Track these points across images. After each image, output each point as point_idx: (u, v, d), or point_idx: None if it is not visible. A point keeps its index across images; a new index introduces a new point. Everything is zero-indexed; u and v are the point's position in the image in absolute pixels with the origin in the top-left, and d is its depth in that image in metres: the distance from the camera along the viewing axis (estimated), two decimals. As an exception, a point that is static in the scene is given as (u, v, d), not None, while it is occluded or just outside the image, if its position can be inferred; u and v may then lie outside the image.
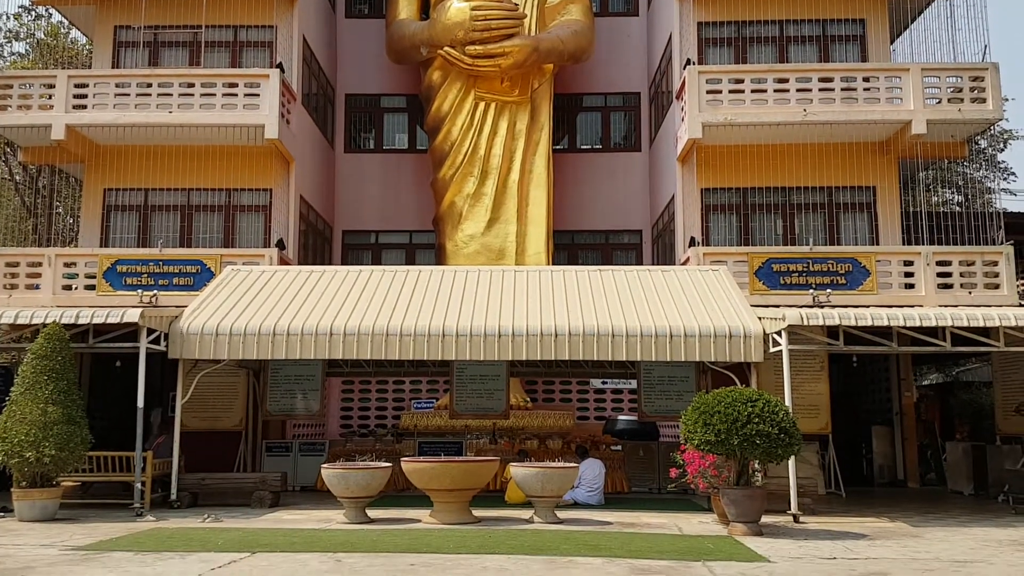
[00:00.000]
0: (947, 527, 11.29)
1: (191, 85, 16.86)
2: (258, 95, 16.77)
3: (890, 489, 17.43)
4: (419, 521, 11.31)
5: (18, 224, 25.94)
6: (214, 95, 16.82)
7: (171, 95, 16.78)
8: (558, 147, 21.41)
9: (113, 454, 12.80)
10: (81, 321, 12.42)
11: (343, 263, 20.65)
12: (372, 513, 11.71)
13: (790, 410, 10.80)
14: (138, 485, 12.21)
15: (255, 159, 17.74)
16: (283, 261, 16.69)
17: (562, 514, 11.96)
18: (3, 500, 12.56)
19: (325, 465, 11.72)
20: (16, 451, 11.29)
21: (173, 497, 12.91)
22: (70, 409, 11.76)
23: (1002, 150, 30.34)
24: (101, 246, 17.43)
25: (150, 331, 12.55)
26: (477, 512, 11.69)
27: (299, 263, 17.71)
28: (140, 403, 12.48)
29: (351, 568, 7.87)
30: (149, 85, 16.85)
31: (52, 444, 11.33)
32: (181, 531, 10.38)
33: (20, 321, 12.68)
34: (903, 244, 17.06)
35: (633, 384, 18.11)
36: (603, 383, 20.71)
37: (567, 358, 12.93)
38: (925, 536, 10.39)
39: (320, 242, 20.37)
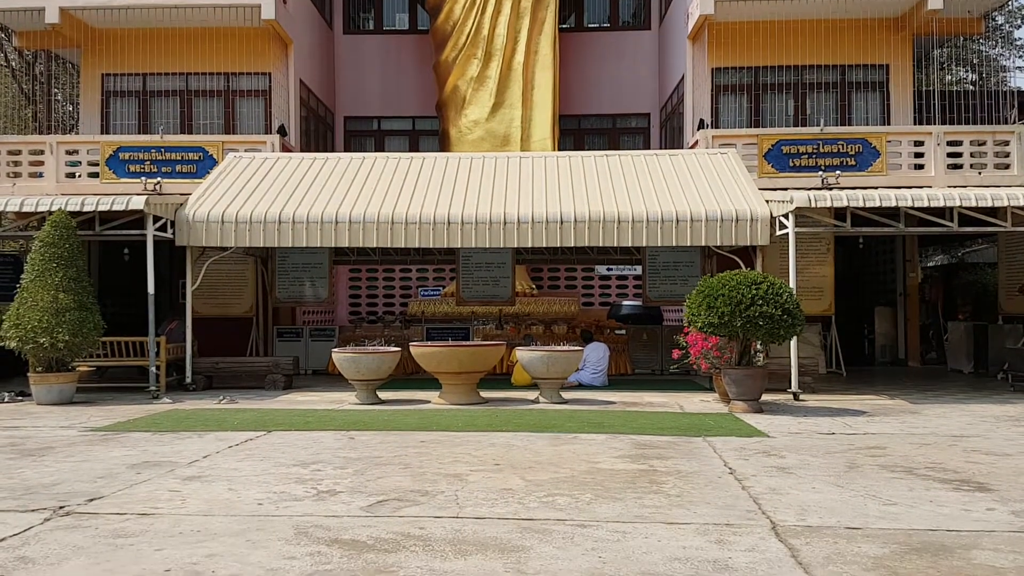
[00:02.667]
0: (945, 404, 11.53)
1: (184, -36, 16.32)
2: (253, -28, 16.23)
3: (891, 368, 17.73)
4: (428, 402, 11.58)
5: (17, 111, 25.62)
6: (208, -27, 16.29)
7: (164, -26, 16.27)
8: (564, 26, 20.80)
9: (127, 339, 13.02)
10: (87, 209, 12.42)
11: (345, 150, 20.43)
12: (382, 395, 11.99)
13: (794, 292, 10.86)
14: (153, 369, 12.48)
15: (253, 41, 17.33)
16: (285, 148, 16.53)
17: (567, 395, 12.23)
18: (20, 385, 12.88)
19: (336, 349, 11.91)
20: (30, 337, 11.48)
21: (188, 380, 13.21)
22: (81, 296, 11.89)
23: (1019, 26, 29.46)
24: (102, 133, 17.26)
25: (156, 218, 12.56)
26: (484, 394, 11.96)
27: (301, 150, 17.55)
28: (151, 289, 12.62)
29: (364, 444, 8.12)
30: (141, -36, 16.33)
31: (65, 330, 11.51)
32: (197, 412, 10.67)
33: (26, 209, 12.70)
34: (914, 124, 16.77)
35: (638, 270, 18.19)
36: (608, 270, 20.82)
37: (572, 245, 12.96)
38: (923, 412, 10.62)
39: (322, 129, 20.10)
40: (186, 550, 4.64)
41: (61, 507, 5.62)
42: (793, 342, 11.53)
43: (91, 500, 5.83)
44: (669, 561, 4.44)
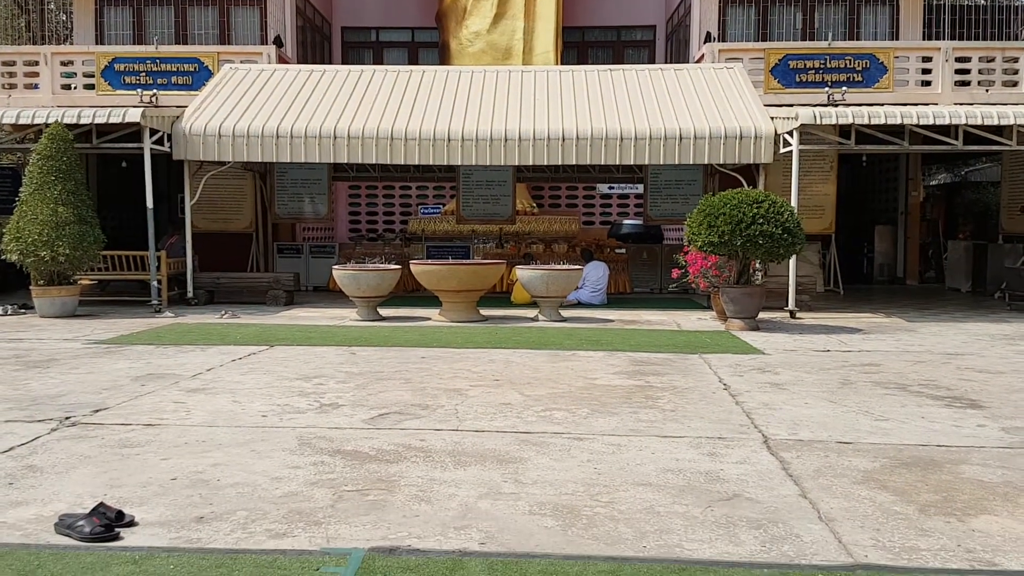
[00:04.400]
0: (942, 322, 11.61)
1: None
2: None
3: (889, 287, 17.80)
4: (428, 319, 11.67)
5: (11, 21, 25.07)
6: None
7: None
8: (568, -67, 20.15)
9: (128, 253, 13.04)
10: (83, 121, 12.27)
11: (343, 62, 20.03)
12: (383, 312, 12.05)
13: (795, 211, 10.81)
14: (154, 283, 12.53)
15: (247, -51, 16.85)
16: (281, 59, 16.22)
17: (566, 313, 12.31)
18: (23, 298, 12.96)
19: (336, 266, 11.94)
20: (31, 250, 11.50)
21: (190, 295, 13.28)
22: (80, 209, 11.86)
23: (1039, -62, 28.55)
24: (96, 43, 16.91)
25: (153, 131, 12.43)
26: (484, 311, 12.03)
27: (298, 62, 17.22)
28: (149, 203, 12.56)
29: (366, 360, 8.22)
30: None
31: (66, 243, 11.51)
32: (200, 326, 10.76)
33: (22, 121, 12.54)
34: (923, 40, 16.42)
35: (640, 189, 18.07)
36: (610, 188, 20.67)
37: (574, 163, 12.84)
38: (919, 331, 10.71)
39: (319, 40, 19.69)
40: (191, 459, 4.75)
41: (67, 418, 5.73)
42: (792, 260, 11.54)
43: (97, 411, 5.94)
44: (662, 472, 4.54)
